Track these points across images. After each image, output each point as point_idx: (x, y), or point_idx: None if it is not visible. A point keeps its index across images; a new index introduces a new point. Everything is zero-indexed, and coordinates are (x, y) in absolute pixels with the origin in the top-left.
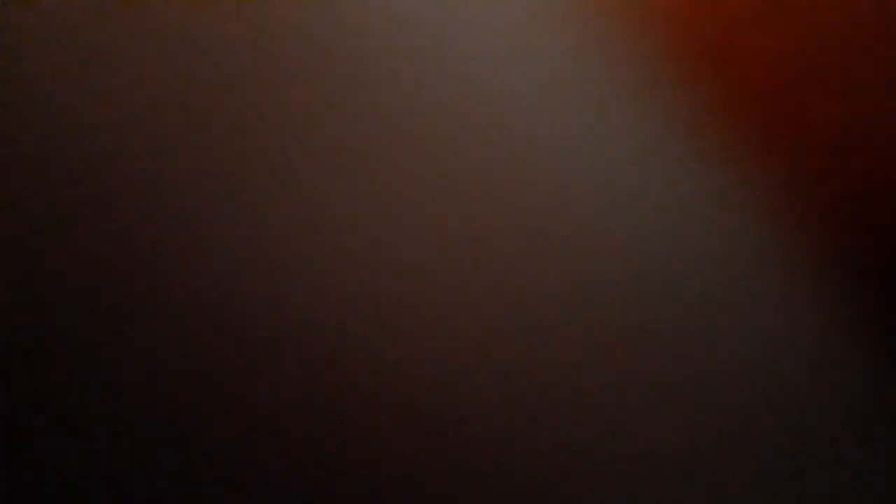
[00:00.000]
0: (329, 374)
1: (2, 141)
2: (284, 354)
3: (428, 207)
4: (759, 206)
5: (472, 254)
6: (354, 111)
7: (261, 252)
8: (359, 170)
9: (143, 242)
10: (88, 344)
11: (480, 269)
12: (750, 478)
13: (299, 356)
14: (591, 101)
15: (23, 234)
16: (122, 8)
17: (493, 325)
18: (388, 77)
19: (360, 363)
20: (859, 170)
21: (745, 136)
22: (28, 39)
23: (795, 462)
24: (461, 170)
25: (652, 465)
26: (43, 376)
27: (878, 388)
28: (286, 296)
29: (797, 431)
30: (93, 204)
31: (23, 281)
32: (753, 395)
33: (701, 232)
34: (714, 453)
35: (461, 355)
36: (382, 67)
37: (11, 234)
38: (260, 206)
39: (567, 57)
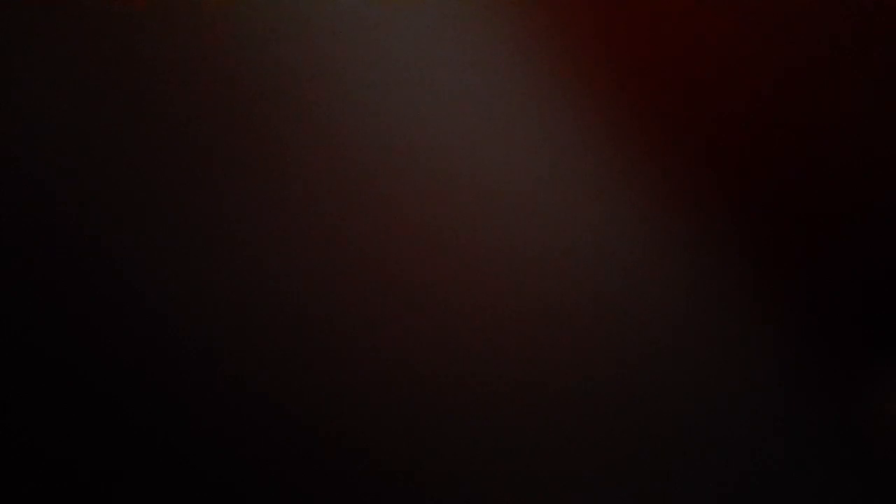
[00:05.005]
0: (327, 372)
1: (8, 141)
2: (284, 353)
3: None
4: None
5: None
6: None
7: (259, 251)
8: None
9: (145, 241)
10: (89, 342)
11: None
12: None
13: (298, 356)
14: (501, 102)
15: (25, 234)
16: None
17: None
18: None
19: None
20: (775, 167)
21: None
22: (29, 40)
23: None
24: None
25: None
26: (45, 374)
27: (797, 385)
28: (286, 295)
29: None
30: (90, 205)
31: (25, 281)
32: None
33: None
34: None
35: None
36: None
37: (14, 234)
38: (263, 207)
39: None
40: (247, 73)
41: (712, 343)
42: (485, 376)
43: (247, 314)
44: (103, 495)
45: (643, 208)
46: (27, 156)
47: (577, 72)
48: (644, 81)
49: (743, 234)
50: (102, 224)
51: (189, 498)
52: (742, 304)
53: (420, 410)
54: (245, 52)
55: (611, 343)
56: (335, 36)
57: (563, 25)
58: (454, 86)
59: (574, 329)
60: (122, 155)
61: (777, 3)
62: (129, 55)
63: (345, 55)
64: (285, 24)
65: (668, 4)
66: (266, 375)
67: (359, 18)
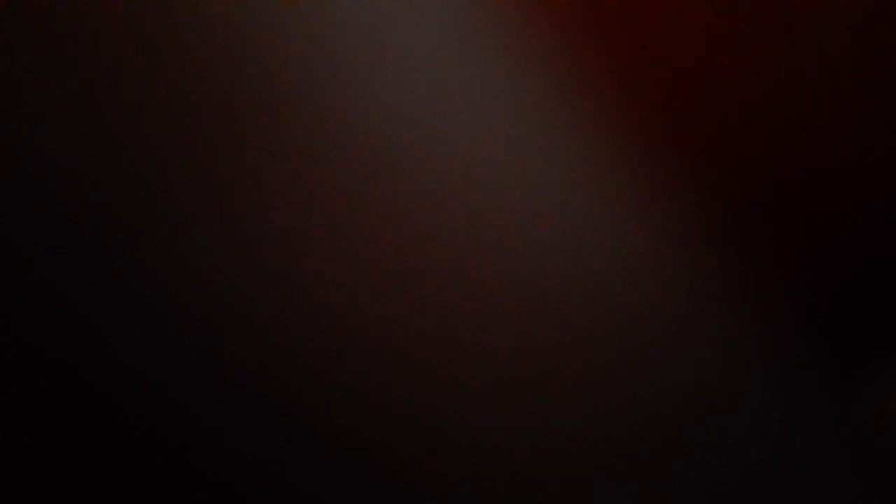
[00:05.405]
0: (326, 373)
1: (10, 142)
2: (284, 353)
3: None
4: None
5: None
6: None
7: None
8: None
9: (146, 242)
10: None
11: None
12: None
13: (298, 356)
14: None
15: (28, 235)
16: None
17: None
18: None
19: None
20: (771, 167)
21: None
22: (31, 41)
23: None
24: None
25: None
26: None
27: (795, 386)
28: (285, 295)
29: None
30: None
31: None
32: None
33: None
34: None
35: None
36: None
37: (14, 234)
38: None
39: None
40: (247, 73)
41: (712, 343)
42: (485, 376)
43: (247, 314)
44: (103, 495)
45: (643, 208)
46: (27, 156)
47: (577, 72)
48: (644, 82)
49: (743, 234)
50: (102, 224)
51: (189, 498)
52: (742, 304)
53: (420, 410)
54: (245, 53)
55: (611, 343)
56: (335, 37)
57: (564, 26)
58: (454, 86)
59: (574, 329)
60: (122, 155)
61: (777, 3)
62: (130, 55)
63: (346, 56)
64: (285, 25)
65: (668, 6)
66: (266, 375)
67: (359, 19)
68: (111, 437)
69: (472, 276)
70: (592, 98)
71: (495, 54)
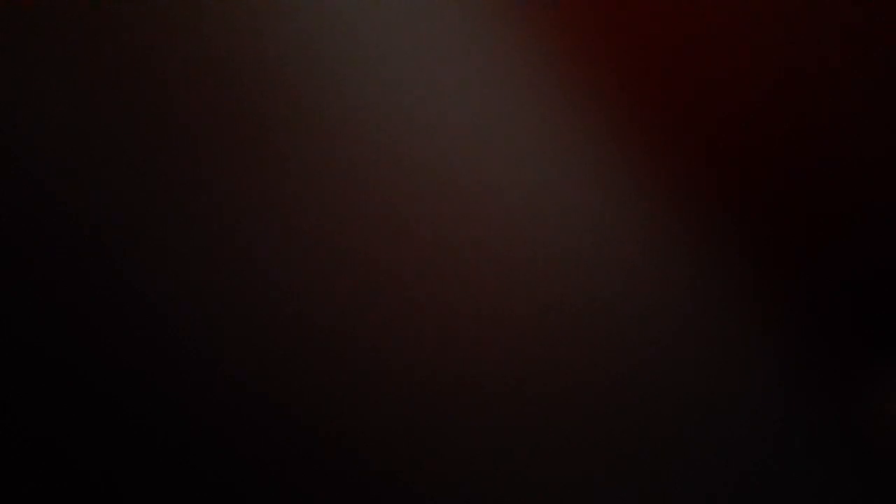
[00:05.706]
0: (327, 373)
1: (11, 141)
2: (284, 354)
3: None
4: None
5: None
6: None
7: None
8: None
9: (147, 243)
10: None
11: None
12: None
13: (298, 357)
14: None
15: (28, 236)
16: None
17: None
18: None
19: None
20: (768, 169)
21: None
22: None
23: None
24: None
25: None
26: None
27: (793, 387)
28: (285, 296)
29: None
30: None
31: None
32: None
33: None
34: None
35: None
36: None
37: (14, 234)
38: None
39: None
40: (247, 74)
41: (712, 343)
42: (485, 376)
43: (247, 314)
44: (103, 495)
45: (643, 208)
46: (27, 156)
47: (577, 72)
48: (645, 82)
49: (743, 234)
50: (102, 224)
51: (189, 498)
52: (742, 304)
53: (420, 410)
54: (246, 53)
55: (611, 343)
56: (336, 37)
57: (564, 26)
58: (454, 86)
59: (574, 329)
60: (122, 155)
61: (777, 3)
62: (130, 55)
63: (346, 57)
64: (285, 26)
65: (668, 5)
66: (266, 375)
67: (359, 19)
68: (111, 437)
69: (472, 276)
70: (592, 98)
71: (496, 55)
